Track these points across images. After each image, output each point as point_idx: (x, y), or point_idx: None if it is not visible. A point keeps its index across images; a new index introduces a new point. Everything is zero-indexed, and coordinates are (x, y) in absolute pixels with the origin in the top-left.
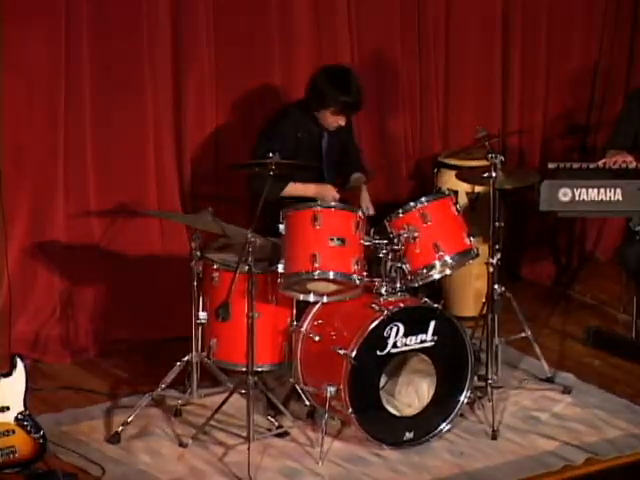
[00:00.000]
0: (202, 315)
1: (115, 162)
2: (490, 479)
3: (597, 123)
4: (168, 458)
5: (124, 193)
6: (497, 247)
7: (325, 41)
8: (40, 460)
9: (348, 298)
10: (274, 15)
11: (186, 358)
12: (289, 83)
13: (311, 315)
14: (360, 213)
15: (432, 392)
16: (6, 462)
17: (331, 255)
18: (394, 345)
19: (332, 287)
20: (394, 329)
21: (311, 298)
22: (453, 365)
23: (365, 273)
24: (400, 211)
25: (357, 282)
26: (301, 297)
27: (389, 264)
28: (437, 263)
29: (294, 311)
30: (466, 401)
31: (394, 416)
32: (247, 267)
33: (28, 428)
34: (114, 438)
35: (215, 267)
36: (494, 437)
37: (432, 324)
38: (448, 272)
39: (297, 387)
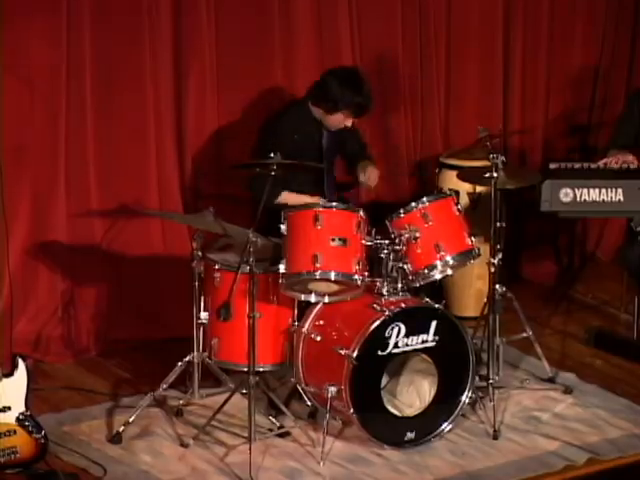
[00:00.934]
0: (203, 315)
1: (116, 162)
2: (491, 479)
3: (598, 123)
4: (169, 458)
5: (125, 193)
6: (498, 247)
7: (326, 41)
8: (41, 460)
9: (349, 298)
10: (275, 15)
11: (187, 358)
12: (291, 83)
13: (312, 315)
14: (361, 213)
15: (433, 392)
16: (7, 462)
17: (332, 255)
18: (395, 345)
19: (333, 287)
20: (395, 329)
21: (312, 298)
22: (454, 365)
23: (366, 273)
24: (401, 211)
25: (358, 282)
26: (302, 297)
27: (390, 264)
28: (438, 263)
29: (295, 311)
30: (467, 401)
31: (395, 416)
32: (248, 267)
33: (29, 428)
34: (115, 438)
35: (216, 267)
36: (495, 437)
37: (433, 324)
38: (449, 272)
39: (298, 387)
